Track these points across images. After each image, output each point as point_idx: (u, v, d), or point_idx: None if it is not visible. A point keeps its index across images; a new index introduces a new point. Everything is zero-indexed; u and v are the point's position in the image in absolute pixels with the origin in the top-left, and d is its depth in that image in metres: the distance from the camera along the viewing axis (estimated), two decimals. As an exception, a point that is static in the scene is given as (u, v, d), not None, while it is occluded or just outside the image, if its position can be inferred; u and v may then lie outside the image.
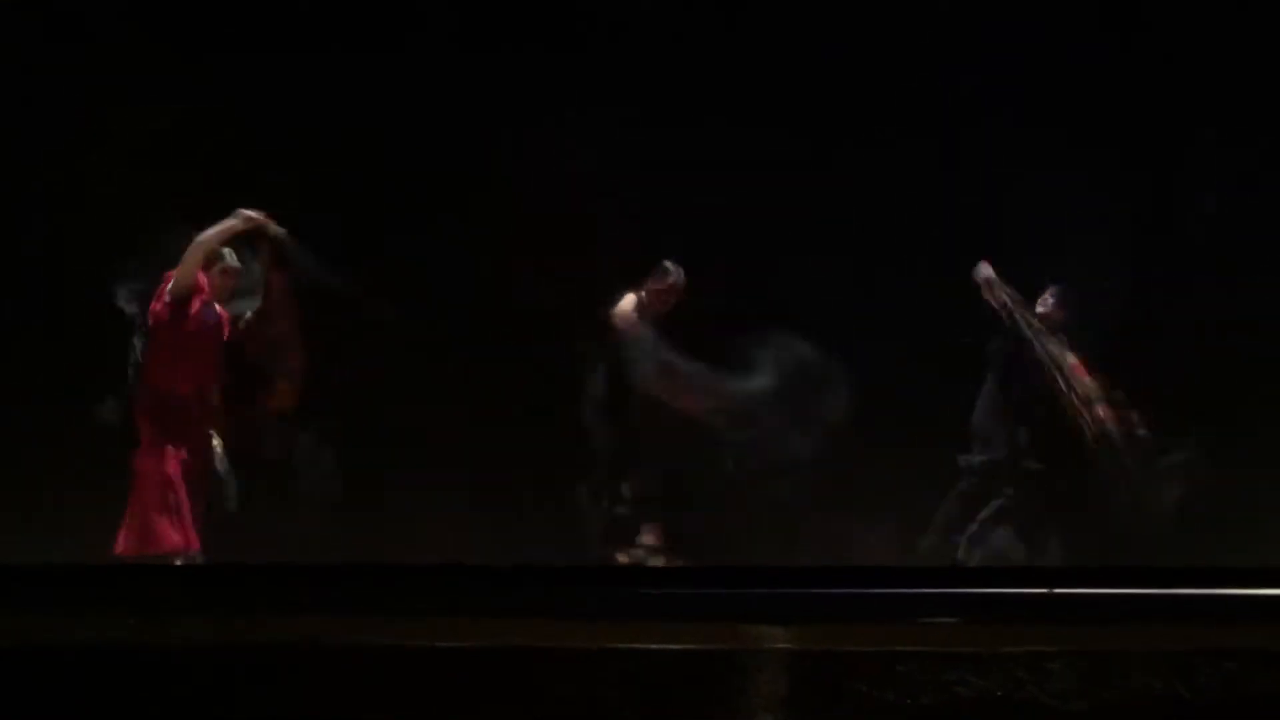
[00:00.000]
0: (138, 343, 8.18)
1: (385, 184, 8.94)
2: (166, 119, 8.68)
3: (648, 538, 8.39)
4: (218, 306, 8.23)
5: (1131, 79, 8.98)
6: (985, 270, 8.71)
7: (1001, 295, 8.70)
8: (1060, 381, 8.64)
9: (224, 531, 7.94)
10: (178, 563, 7.74)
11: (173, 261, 8.16)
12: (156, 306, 8.11)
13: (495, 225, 8.97)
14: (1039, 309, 8.82)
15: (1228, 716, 4.58)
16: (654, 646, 4.64)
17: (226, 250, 8.21)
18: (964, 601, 4.81)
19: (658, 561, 8.25)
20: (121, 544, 7.91)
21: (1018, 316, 8.70)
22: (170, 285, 8.06)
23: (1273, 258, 8.63)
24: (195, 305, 8.10)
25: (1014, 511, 8.58)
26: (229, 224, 8.13)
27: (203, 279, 8.15)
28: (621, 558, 8.30)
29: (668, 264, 8.78)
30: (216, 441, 8.16)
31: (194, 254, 8.07)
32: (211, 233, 8.12)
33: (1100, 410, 8.65)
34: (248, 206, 8.23)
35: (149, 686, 4.75)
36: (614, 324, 8.66)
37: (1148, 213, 9.07)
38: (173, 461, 7.97)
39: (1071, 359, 8.72)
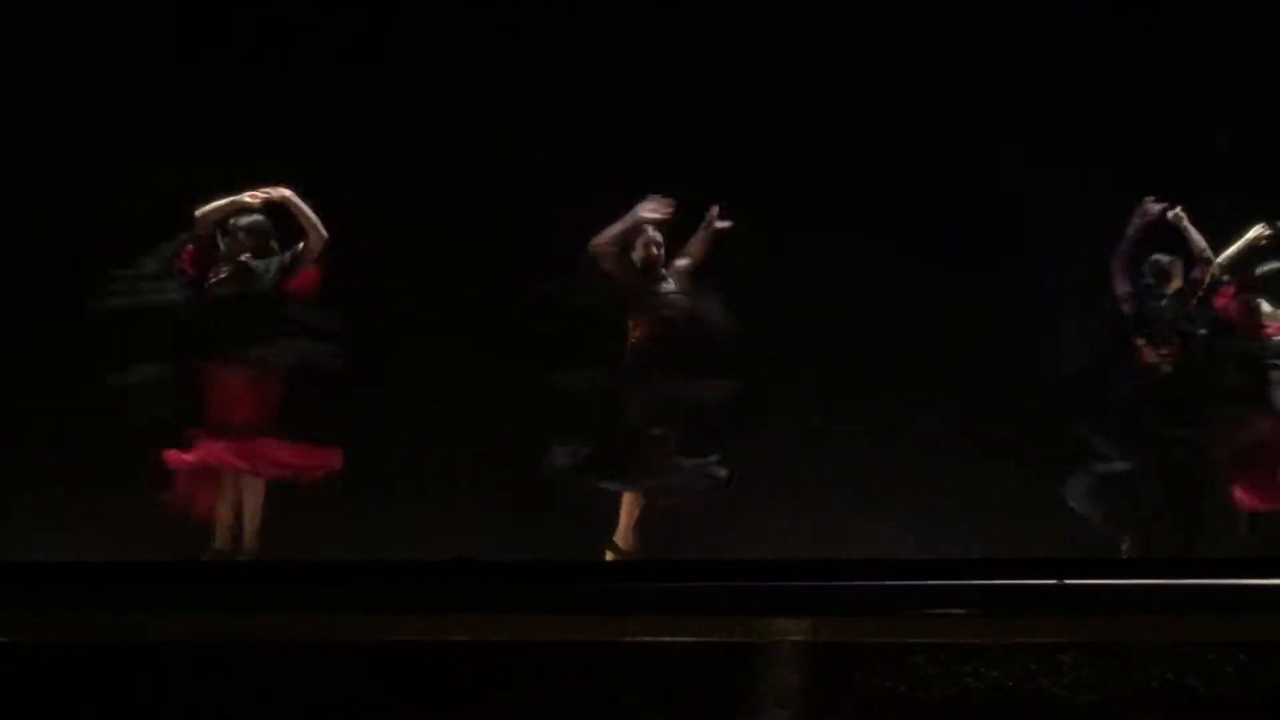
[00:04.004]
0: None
1: (385, 184, 8.94)
2: (167, 119, 8.69)
3: None
4: None
5: (1139, 74, 8.99)
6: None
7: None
8: None
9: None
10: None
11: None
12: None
13: (495, 226, 8.97)
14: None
15: (1240, 708, 4.58)
16: (665, 640, 4.63)
17: None
18: (976, 594, 4.81)
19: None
20: None
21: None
22: None
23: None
24: None
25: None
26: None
27: None
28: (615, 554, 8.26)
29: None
30: None
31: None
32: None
33: None
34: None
35: (149, 685, 4.75)
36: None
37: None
38: None
39: None
